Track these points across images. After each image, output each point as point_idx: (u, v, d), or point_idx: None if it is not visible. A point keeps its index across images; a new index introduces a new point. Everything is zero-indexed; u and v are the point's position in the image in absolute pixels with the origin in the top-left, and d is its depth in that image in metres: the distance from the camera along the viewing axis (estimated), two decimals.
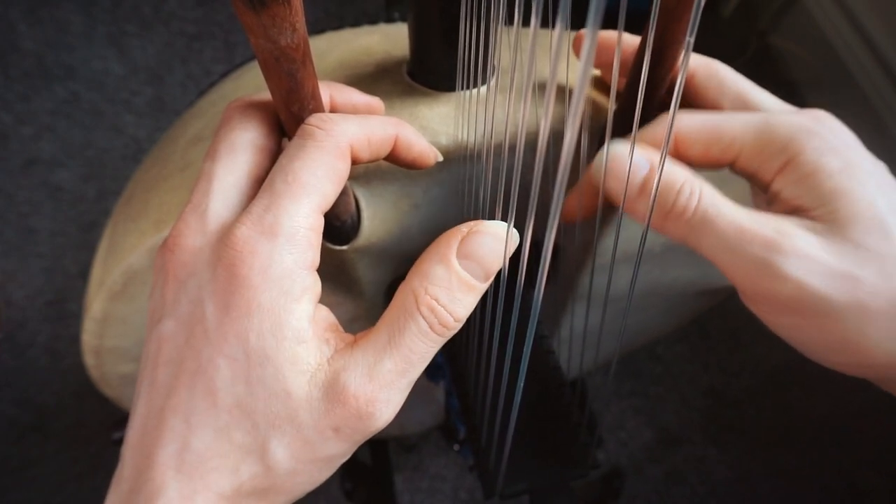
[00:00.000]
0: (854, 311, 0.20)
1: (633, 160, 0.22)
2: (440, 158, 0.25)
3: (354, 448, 0.20)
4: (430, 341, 0.19)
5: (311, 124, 0.20)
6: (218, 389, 0.18)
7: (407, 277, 0.20)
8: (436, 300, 0.19)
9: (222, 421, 0.18)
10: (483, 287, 0.20)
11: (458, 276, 0.19)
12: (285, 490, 0.19)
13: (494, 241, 0.19)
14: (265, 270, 0.18)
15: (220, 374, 0.18)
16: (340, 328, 0.21)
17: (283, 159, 0.20)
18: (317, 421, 0.18)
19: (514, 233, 0.20)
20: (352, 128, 0.21)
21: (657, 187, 0.21)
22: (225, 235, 0.19)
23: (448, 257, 0.19)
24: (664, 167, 0.22)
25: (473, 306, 0.20)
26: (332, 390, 0.18)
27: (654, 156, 0.23)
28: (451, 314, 0.19)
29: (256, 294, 0.18)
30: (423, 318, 0.19)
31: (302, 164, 0.19)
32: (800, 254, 0.21)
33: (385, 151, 0.22)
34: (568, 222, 0.28)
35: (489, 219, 0.20)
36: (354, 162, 0.21)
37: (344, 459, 0.20)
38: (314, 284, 0.20)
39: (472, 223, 0.20)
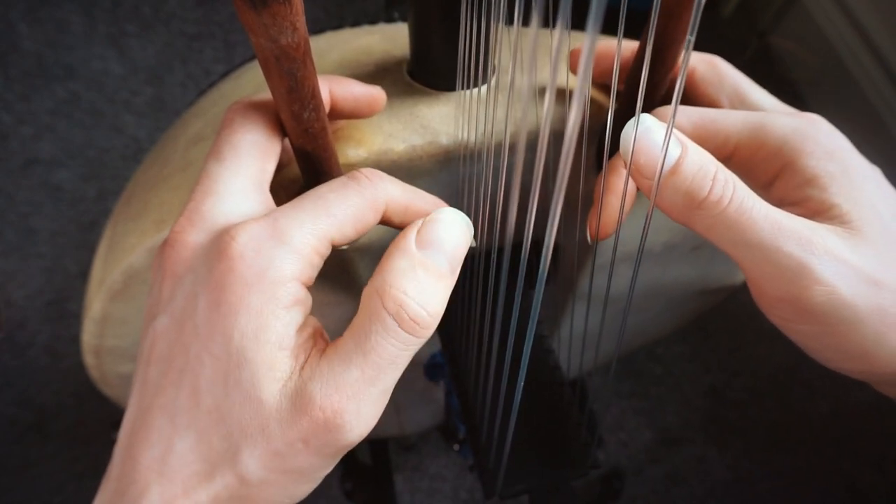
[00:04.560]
0: (875, 319, 0.20)
1: (659, 140, 0.20)
2: (475, 244, 0.23)
3: (331, 462, 0.19)
4: (400, 342, 0.18)
5: (361, 172, 0.21)
6: (201, 389, 0.18)
7: (370, 281, 0.19)
8: (404, 293, 0.18)
9: (203, 423, 0.18)
10: (452, 274, 0.19)
11: (423, 264, 0.19)
12: (260, 501, 0.19)
13: (452, 226, 0.19)
14: (263, 272, 0.18)
15: (204, 373, 0.18)
16: (326, 337, 0.20)
17: (322, 188, 0.20)
18: (285, 432, 0.18)
19: (468, 221, 0.20)
20: (395, 190, 0.21)
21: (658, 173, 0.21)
22: (231, 230, 0.19)
23: (408, 248, 0.19)
24: (693, 153, 0.20)
25: (445, 299, 0.19)
26: (300, 401, 0.18)
27: (685, 137, 0.21)
28: (422, 306, 0.18)
29: (248, 293, 0.18)
30: (391, 314, 0.18)
31: (336, 196, 0.20)
32: (833, 255, 0.20)
33: None
34: (595, 237, 0.25)
35: (490, 218, 0.20)
36: (384, 222, 0.22)
37: (321, 473, 0.19)
38: (306, 299, 0.19)
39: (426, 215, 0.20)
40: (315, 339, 0.19)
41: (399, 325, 0.18)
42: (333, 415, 0.18)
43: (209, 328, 0.18)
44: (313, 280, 0.20)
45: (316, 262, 0.19)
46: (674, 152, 0.20)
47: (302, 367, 0.18)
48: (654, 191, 0.20)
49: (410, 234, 0.19)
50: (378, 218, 0.21)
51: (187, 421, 0.18)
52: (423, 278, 0.18)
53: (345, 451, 0.19)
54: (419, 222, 0.20)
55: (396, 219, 0.22)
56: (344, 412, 0.18)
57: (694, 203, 0.20)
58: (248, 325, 0.18)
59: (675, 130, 0.20)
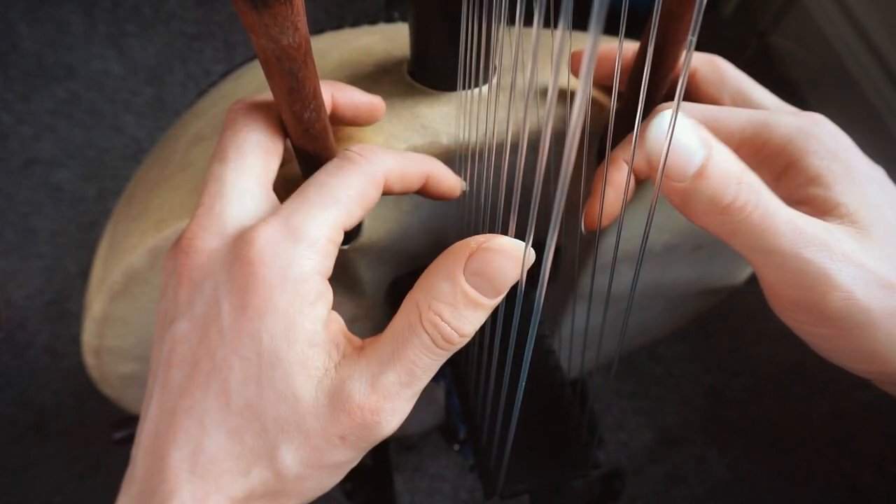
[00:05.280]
0: (887, 322, 0.20)
1: (685, 142, 0.19)
2: (465, 188, 0.26)
3: (362, 454, 0.20)
4: (434, 355, 0.19)
5: (352, 150, 0.21)
6: (231, 390, 0.18)
7: (413, 288, 0.19)
8: (439, 316, 0.18)
9: (234, 423, 0.18)
10: (492, 304, 0.19)
11: (465, 294, 0.18)
12: (294, 494, 0.19)
13: (506, 259, 0.18)
14: (284, 272, 0.18)
15: (233, 375, 0.18)
16: (350, 334, 0.21)
17: (320, 174, 0.20)
18: (324, 428, 0.18)
19: (531, 251, 0.18)
20: (389, 160, 0.22)
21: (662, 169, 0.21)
22: (247, 234, 0.19)
23: (455, 274, 0.18)
24: (719, 155, 0.19)
25: (481, 322, 0.19)
26: (338, 399, 0.18)
27: (711, 138, 0.19)
28: (455, 330, 0.18)
29: (273, 294, 0.18)
30: (427, 333, 0.18)
31: (338, 181, 0.20)
32: (850, 259, 0.19)
33: (416, 186, 0.23)
34: (591, 229, 0.26)
35: (490, 220, 0.20)
36: (385, 193, 0.22)
37: (352, 465, 0.20)
38: (328, 291, 0.20)
39: (482, 237, 0.18)
40: (344, 336, 0.20)
41: (433, 342, 0.18)
42: (372, 413, 0.18)
43: (236, 332, 0.18)
44: (331, 271, 0.20)
45: (332, 252, 0.20)
46: (699, 154, 0.19)
47: (338, 364, 0.19)
48: (667, 193, 0.19)
49: (461, 258, 0.18)
50: (380, 192, 0.22)
51: (217, 421, 0.18)
52: (463, 305, 0.18)
53: (376, 444, 0.19)
54: (472, 244, 0.18)
55: (396, 187, 0.22)
56: (381, 411, 0.18)
57: (717, 208, 0.19)
58: (276, 325, 0.18)
59: (702, 131, 0.19)
